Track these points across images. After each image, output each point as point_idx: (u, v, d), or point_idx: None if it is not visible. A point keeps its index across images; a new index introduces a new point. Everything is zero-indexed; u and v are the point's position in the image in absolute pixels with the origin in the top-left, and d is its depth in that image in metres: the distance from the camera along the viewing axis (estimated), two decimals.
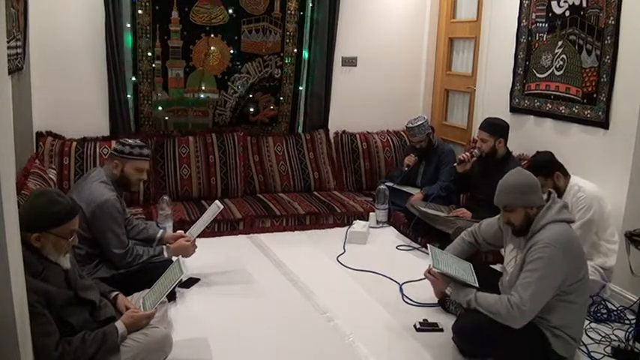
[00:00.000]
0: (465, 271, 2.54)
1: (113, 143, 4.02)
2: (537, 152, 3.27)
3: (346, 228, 3.96)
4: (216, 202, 3.06)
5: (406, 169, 4.27)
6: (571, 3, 3.45)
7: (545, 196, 2.37)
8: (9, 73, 2.51)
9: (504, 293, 2.31)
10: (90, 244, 2.62)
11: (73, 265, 2.04)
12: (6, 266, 1.47)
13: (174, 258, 2.42)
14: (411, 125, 4.13)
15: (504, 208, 2.35)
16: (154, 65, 4.26)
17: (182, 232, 3.10)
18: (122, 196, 2.83)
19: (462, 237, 2.81)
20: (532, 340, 2.24)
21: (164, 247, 2.87)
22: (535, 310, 2.19)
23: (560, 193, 3.06)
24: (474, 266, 2.63)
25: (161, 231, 3.05)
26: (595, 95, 3.31)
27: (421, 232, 3.80)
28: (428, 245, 2.73)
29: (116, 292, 2.23)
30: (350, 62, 4.86)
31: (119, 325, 1.98)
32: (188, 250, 2.91)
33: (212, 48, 4.39)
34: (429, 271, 2.61)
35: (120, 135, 4.13)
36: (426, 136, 4.16)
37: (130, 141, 2.77)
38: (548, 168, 3.08)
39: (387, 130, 4.98)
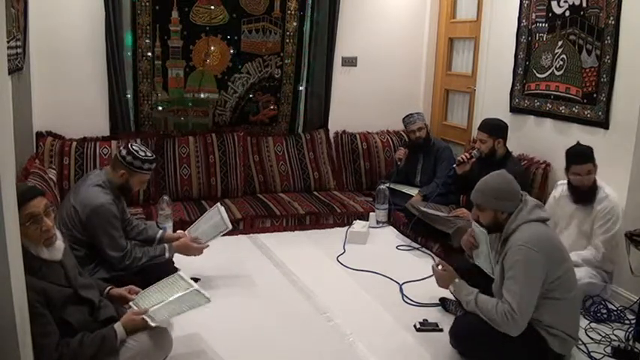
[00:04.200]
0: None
1: (114, 144, 4.04)
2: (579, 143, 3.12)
3: (346, 228, 3.96)
4: (227, 221, 2.99)
5: (399, 163, 4.30)
6: (571, 3, 3.45)
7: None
8: (9, 73, 2.51)
9: (496, 297, 2.31)
10: (88, 246, 2.61)
11: (72, 262, 2.04)
12: (6, 266, 1.47)
13: (181, 273, 2.30)
14: (409, 113, 4.26)
15: (477, 206, 2.39)
16: (154, 65, 4.26)
17: (182, 232, 3.09)
18: (121, 198, 2.82)
19: None
20: (529, 340, 2.24)
21: (166, 246, 2.85)
22: (527, 315, 2.19)
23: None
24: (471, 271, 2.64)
25: (160, 231, 3.04)
26: (595, 95, 3.31)
27: (421, 232, 3.81)
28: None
29: (109, 287, 2.23)
30: (350, 62, 4.86)
31: (119, 328, 1.96)
32: (191, 251, 2.90)
33: (212, 48, 4.39)
34: (437, 265, 2.59)
35: (120, 135, 4.14)
36: (424, 125, 4.21)
37: (141, 153, 2.67)
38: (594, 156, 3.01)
39: (387, 130, 4.98)
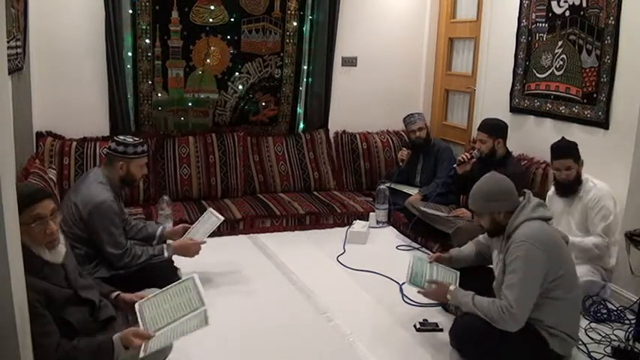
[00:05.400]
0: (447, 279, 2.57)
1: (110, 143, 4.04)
2: (563, 138, 3.18)
3: (346, 228, 3.96)
4: (217, 214, 3.11)
5: (401, 164, 4.30)
6: (571, 3, 3.45)
7: (521, 198, 2.38)
8: (9, 73, 2.51)
9: (496, 296, 2.31)
10: (88, 244, 2.62)
11: (73, 264, 2.03)
12: (6, 266, 1.47)
13: (197, 280, 2.16)
14: (410, 113, 4.27)
15: (474, 212, 2.44)
16: (154, 65, 4.26)
17: (183, 225, 3.09)
18: (120, 196, 2.82)
19: (476, 240, 2.77)
20: (530, 340, 2.24)
21: (164, 245, 2.85)
22: (525, 311, 2.19)
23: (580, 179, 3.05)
24: (470, 269, 2.66)
25: (160, 227, 3.04)
26: (595, 95, 3.31)
27: (421, 232, 3.81)
28: (412, 256, 2.77)
29: (117, 292, 2.22)
30: (350, 62, 4.86)
31: (117, 342, 1.86)
32: (190, 250, 2.89)
33: (212, 48, 4.39)
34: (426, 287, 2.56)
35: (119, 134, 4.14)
36: (424, 126, 4.22)
37: (129, 140, 2.75)
38: (577, 152, 3.05)
39: (387, 130, 4.98)
